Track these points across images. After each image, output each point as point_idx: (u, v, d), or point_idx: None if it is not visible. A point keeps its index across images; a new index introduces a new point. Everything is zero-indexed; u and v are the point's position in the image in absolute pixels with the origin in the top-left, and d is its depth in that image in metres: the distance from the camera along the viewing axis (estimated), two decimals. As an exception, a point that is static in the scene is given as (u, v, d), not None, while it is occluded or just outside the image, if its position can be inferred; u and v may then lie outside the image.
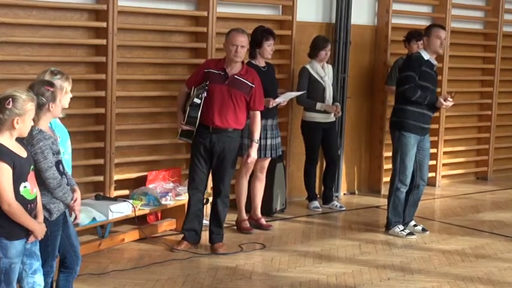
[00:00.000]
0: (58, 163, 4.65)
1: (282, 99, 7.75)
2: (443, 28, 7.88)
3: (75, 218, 4.88)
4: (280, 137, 7.99)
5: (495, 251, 7.35)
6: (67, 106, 4.98)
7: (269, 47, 7.72)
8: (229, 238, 7.39)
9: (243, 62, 6.97)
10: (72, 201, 4.74)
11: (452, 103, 7.72)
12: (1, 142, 4.27)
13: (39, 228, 4.43)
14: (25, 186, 4.34)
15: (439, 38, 7.65)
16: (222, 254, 6.86)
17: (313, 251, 7.10)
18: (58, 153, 4.68)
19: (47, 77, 4.93)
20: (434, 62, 7.73)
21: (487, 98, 11.17)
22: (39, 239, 4.48)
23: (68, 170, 5.03)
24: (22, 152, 4.36)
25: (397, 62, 9.20)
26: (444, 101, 7.63)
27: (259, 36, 7.71)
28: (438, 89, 8.50)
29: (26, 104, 4.31)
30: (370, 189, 9.94)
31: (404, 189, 7.72)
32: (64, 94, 4.89)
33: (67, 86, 4.98)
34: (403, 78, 7.60)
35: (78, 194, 4.80)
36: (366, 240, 7.55)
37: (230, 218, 7.96)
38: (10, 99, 4.27)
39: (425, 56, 7.64)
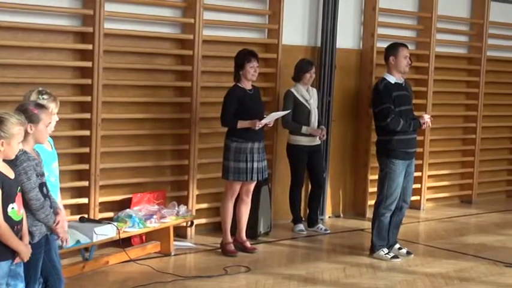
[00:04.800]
0: (42, 185, 4.63)
1: (268, 120, 7.69)
2: (407, 46, 7.84)
3: (62, 242, 4.86)
4: (266, 160, 7.98)
5: (479, 274, 7.36)
6: (53, 129, 4.96)
7: (252, 68, 7.63)
8: (214, 261, 7.39)
9: None
10: (55, 224, 4.71)
11: (429, 119, 7.70)
12: (-12, 163, 4.25)
13: (25, 249, 4.43)
14: (13, 208, 4.33)
15: (405, 58, 7.64)
16: (208, 277, 6.84)
17: (298, 274, 7.09)
18: (42, 175, 4.66)
19: (33, 96, 4.91)
20: (401, 81, 7.70)
21: (471, 122, 11.23)
22: (25, 260, 4.46)
23: (55, 192, 5.00)
24: (10, 173, 4.35)
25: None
26: (424, 123, 7.67)
27: (241, 58, 7.67)
28: (423, 113, 8.54)
29: (14, 127, 4.30)
30: (355, 212, 9.94)
31: (388, 214, 7.71)
32: (51, 116, 4.84)
33: (53, 107, 4.95)
34: (382, 112, 7.54)
35: (61, 217, 4.78)
36: (351, 264, 7.55)
37: (215, 240, 7.96)
38: None
39: (392, 79, 7.62)
